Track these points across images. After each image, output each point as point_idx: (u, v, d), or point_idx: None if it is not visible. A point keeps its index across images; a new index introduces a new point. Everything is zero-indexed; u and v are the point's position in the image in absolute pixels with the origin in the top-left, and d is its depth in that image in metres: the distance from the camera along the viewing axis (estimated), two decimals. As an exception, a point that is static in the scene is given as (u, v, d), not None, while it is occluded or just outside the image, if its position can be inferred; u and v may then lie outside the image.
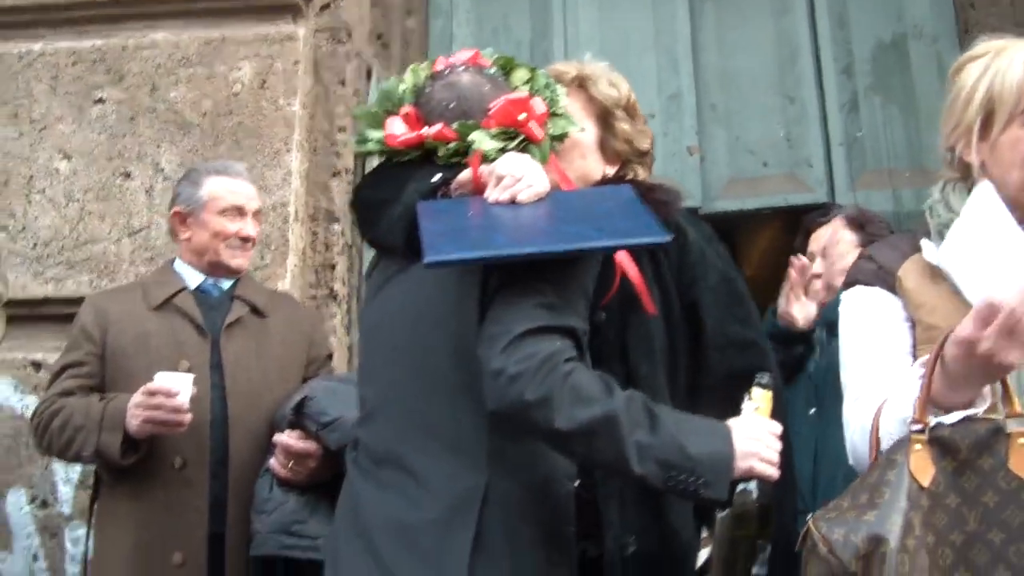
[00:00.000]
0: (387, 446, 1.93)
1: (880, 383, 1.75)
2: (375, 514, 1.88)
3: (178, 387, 2.58)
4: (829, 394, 2.77)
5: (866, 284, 1.85)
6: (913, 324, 1.77)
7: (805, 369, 2.96)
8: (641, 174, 2.40)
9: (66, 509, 3.45)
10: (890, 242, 1.94)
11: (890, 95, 4.43)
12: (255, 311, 2.92)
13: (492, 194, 1.91)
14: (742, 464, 1.72)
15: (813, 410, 2.87)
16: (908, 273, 1.80)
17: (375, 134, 2.11)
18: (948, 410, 1.57)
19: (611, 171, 2.36)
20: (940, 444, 1.55)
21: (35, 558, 3.45)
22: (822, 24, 4.47)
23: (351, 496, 1.99)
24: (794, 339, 2.98)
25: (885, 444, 1.64)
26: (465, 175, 1.99)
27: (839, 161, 4.33)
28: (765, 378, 1.92)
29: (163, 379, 2.60)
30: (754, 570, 1.89)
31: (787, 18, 4.50)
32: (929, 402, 1.59)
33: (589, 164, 2.31)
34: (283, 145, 3.59)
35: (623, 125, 2.34)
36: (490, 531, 1.76)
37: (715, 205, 4.30)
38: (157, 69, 3.75)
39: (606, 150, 2.35)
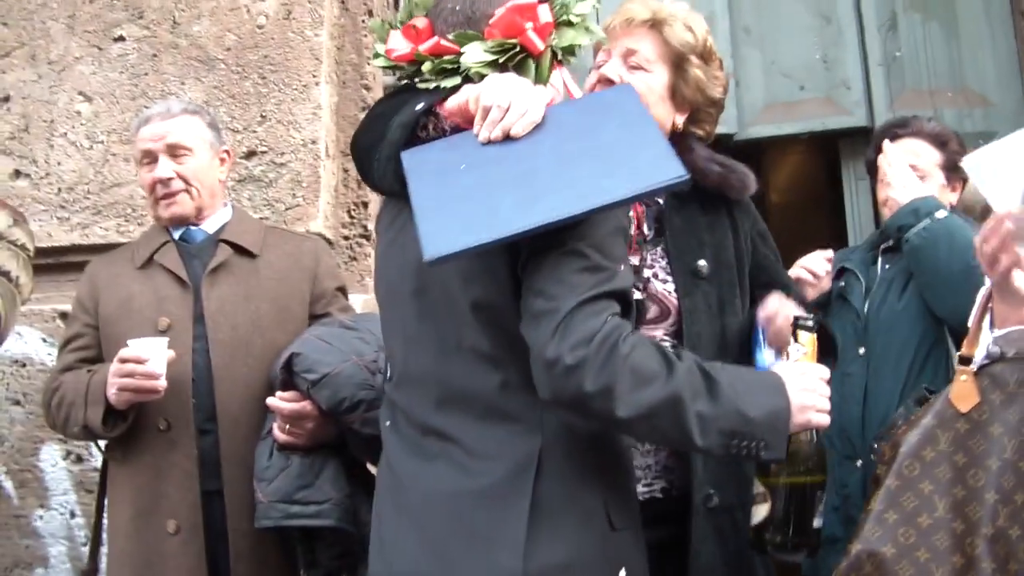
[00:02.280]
0: (425, 415, 1.86)
1: None
2: (419, 488, 1.81)
3: (148, 353, 2.52)
4: (878, 337, 2.88)
5: None
6: None
7: (850, 304, 2.99)
8: (706, 129, 2.46)
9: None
10: None
11: (930, 12, 4.43)
12: (241, 251, 2.82)
13: (481, 132, 1.77)
14: (799, 418, 1.74)
15: (862, 349, 2.91)
16: None
17: (381, 47, 1.98)
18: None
19: (681, 119, 2.38)
20: (991, 377, 1.71)
21: (72, 515, 3.48)
22: (861, -62, 4.48)
23: (390, 467, 1.91)
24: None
25: None
26: (454, 102, 1.84)
27: (878, 82, 4.34)
28: (810, 321, 1.95)
29: (134, 346, 2.54)
30: (815, 522, 1.94)
31: (822, -67, 4.51)
32: (979, 333, 1.75)
33: (659, 111, 2.31)
34: (311, 78, 3.59)
35: (696, 71, 2.35)
36: (547, 499, 1.71)
37: (751, 131, 4.33)
38: (178, 3, 3.75)
39: (677, 98, 2.35)
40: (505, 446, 1.75)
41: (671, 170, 1.65)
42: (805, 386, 1.77)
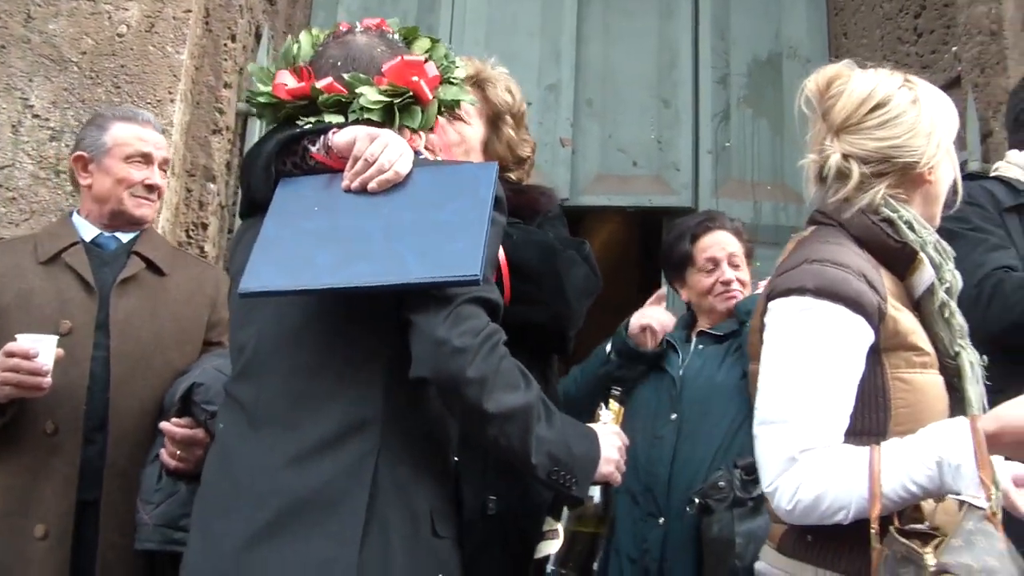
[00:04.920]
0: (268, 408, 1.95)
1: (837, 425, 1.87)
2: (254, 482, 1.89)
3: (37, 348, 2.52)
4: (692, 405, 3.20)
5: (853, 305, 1.90)
6: (874, 347, 1.92)
7: (665, 371, 3.32)
8: (515, 177, 2.71)
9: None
10: (855, 251, 2.03)
11: (761, 109, 4.91)
12: (152, 267, 2.89)
13: (344, 180, 2.00)
14: (604, 469, 2.01)
15: (675, 415, 3.21)
16: (890, 291, 1.98)
17: (265, 88, 2.16)
18: None
19: None
20: None
21: None
22: (704, 33, 4.93)
23: (223, 459, 2.00)
24: (640, 358, 3.31)
25: (893, 497, 1.79)
26: (342, 138, 2.02)
27: (706, 168, 4.79)
28: (619, 391, 2.28)
29: (23, 340, 2.54)
30: (595, 565, 2.22)
31: (671, 23, 4.93)
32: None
33: (471, 161, 2.56)
34: (167, 95, 3.69)
35: (509, 131, 2.65)
36: (382, 497, 1.85)
37: (582, 200, 4.69)
38: (35, -2, 3.75)
39: (489, 151, 2.64)
40: (342, 443, 1.87)
41: (467, 268, 1.83)
42: (613, 443, 2.05)
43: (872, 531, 1.76)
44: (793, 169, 4.75)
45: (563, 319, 2.52)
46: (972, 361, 1.99)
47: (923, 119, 2.04)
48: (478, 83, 2.62)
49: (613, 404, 2.24)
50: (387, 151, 1.97)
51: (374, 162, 1.96)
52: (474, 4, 4.84)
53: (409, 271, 1.84)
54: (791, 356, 1.92)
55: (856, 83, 2.11)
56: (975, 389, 1.96)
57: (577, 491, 1.94)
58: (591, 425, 2.10)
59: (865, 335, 1.91)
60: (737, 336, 3.23)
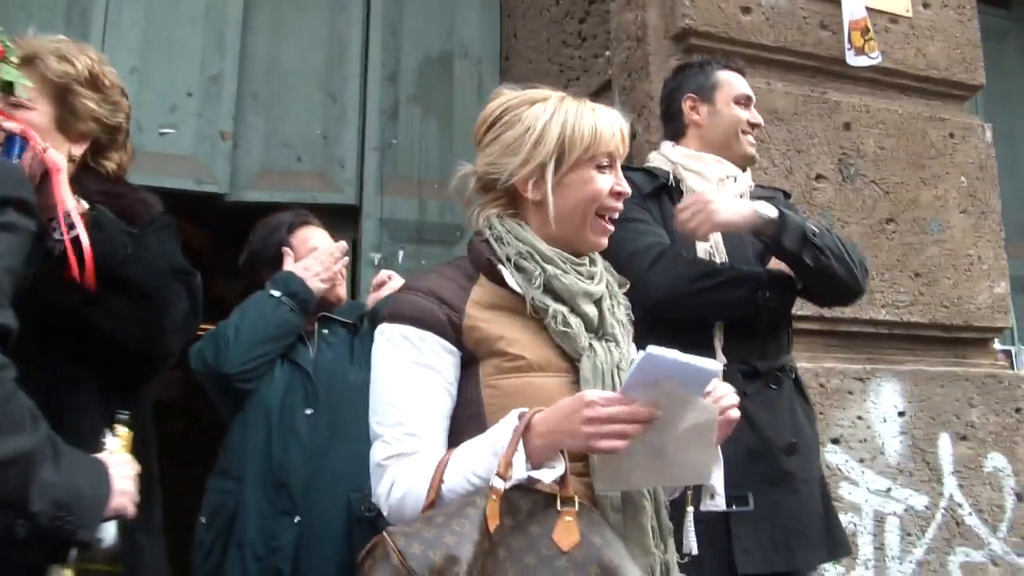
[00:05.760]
0: None
1: (422, 433, 1.98)
2: None
3: None
4: (331, 401, 3.20)
5: (416, 322, 2.02)
6: (462, 357, 2.02)
7: (297, 364, 3.27)
8: (115, 160, 2.48)
9: None
10: (442, 273, 2.14)
11: (430, 108, 4.98)
12: None
13: None
14: (116, 503, 1.84)
15: (310, 411, 3.20)
16: (480, 303, 2.08)
17: None
18: (536, 464, 1.90)
19: (78, 151, 2.40)
20: (509, 503, 1.87)
21: None
22: (375, 29, 4.95)
23: None
24: (311, 303, 3.29)
25: (451, 492, 1.91)
26: None
27: (371, 165, 4.82)
28: (126, 415, 2.13)
29: None
30: None
31: (341, 17, 4.92)
32: (513, 459, 1.88)
33: (53, 146, 2.27)
34: None
35: (86, 102, 2.38)
36: None
37: (244, 194, 4.62)
38: None
39: (68, 130, 2.38)
40: None
41: None
42: (124, 474, 1.90)
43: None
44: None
45: (151, 348, 2.39)
46: (601, 363, 2.05)
47: (513, 137, 2.10)
48: (28, 62, 2.34)
49: (121, 429, 2.10)
50: None
51: None
52: (133, -11, 4.63)
53: None
54: (376, 378, 2.05)
55: (489, 104, 2.19)
56: (597, 388, 2.01)
57: (84, 535, 1.77)
58: (100, 456, 1.95)
59: (437, 348, 2.02)
60: (358, 330, 3.35)
